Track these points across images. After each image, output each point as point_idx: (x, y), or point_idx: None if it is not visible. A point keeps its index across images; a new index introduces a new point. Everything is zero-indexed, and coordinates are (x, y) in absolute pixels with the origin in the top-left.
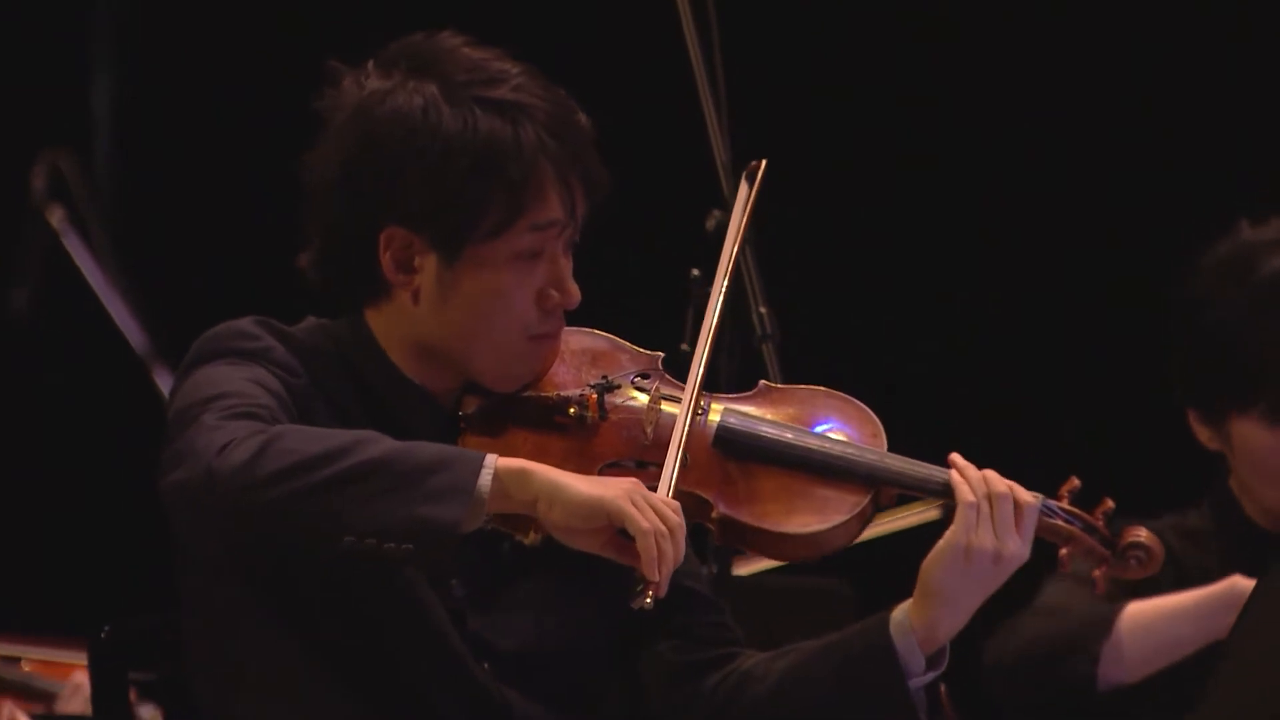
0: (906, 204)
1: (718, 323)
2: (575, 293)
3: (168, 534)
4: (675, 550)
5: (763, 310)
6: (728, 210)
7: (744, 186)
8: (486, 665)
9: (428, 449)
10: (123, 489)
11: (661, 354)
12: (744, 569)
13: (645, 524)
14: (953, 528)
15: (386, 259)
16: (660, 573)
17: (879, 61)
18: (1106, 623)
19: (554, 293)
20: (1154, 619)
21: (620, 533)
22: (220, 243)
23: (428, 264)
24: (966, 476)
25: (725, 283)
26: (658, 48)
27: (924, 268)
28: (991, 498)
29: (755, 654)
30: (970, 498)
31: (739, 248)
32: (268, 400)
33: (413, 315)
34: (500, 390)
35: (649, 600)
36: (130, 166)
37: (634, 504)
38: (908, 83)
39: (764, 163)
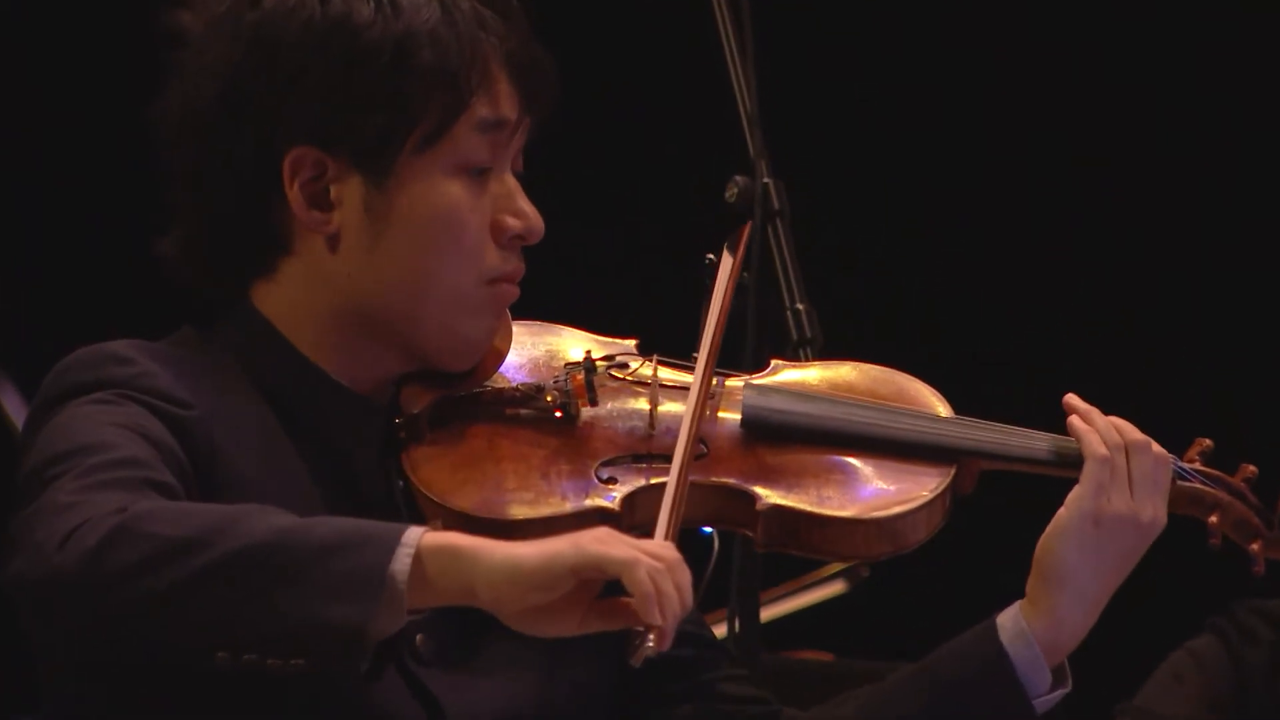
0: (970, 180)
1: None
2: (536, 217)
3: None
4: (679, 591)
5: (800, 307)
6: (751, 176)
7: (726, 257)
8: None
9: (328, 525)
10: None
11: (635, 340)
12: (773, 610)
13: (624, 553)
14: (1078, 490)
15: (295, 192)
16: (663, 614)
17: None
18: None
19: (510, 220)
20: None
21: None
22: (91, 231)
23: (349, 191)
24: (1094, 424)
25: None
26: None
27: (989, 258)
28: (1129, 449)
29: (801, 713)
30: (1102, 450)
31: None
32: (144, 452)
33: (330, 272)
34: (452, 366)
35: (650, 645)
36: None
37: (600, 541)
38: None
39: (749, 225)
